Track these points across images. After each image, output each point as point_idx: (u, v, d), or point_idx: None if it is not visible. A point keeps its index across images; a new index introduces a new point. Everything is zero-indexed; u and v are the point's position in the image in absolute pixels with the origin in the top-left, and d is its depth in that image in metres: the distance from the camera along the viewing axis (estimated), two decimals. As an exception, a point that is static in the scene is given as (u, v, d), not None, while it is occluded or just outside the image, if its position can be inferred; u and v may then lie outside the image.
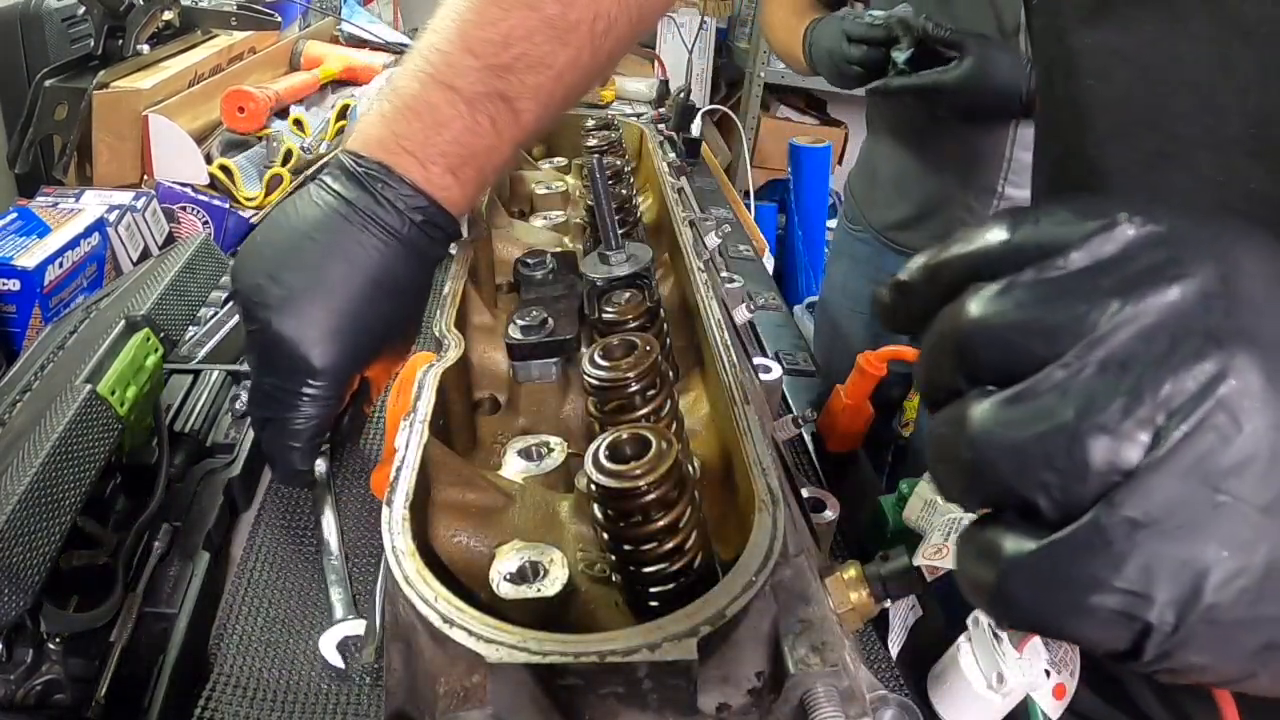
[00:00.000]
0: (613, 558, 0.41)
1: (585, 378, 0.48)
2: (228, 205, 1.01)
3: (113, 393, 0.55)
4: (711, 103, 2.63)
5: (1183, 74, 0.38)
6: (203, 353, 0.84)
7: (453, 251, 0.62)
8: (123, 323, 0.61)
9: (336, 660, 0.52)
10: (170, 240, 0.98)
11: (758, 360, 0.61)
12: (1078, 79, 0.43)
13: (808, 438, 0.76)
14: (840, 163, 2.87)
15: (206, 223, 1.00)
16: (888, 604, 0.41)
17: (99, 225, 0.86)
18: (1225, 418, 0.22)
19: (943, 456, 0.25)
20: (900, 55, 1.04)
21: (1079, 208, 0.25)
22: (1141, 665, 0.23)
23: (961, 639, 0.50)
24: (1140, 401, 0.22)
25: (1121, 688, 0.55)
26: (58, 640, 0.48)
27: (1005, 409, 0.24)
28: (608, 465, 0.38)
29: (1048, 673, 0.48)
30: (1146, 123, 0.40)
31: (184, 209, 1.00)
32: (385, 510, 0.39)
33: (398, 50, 1.50)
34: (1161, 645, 0.22)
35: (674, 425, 0.48)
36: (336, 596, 0.57)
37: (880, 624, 0.56)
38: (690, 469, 0.45)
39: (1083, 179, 0.45)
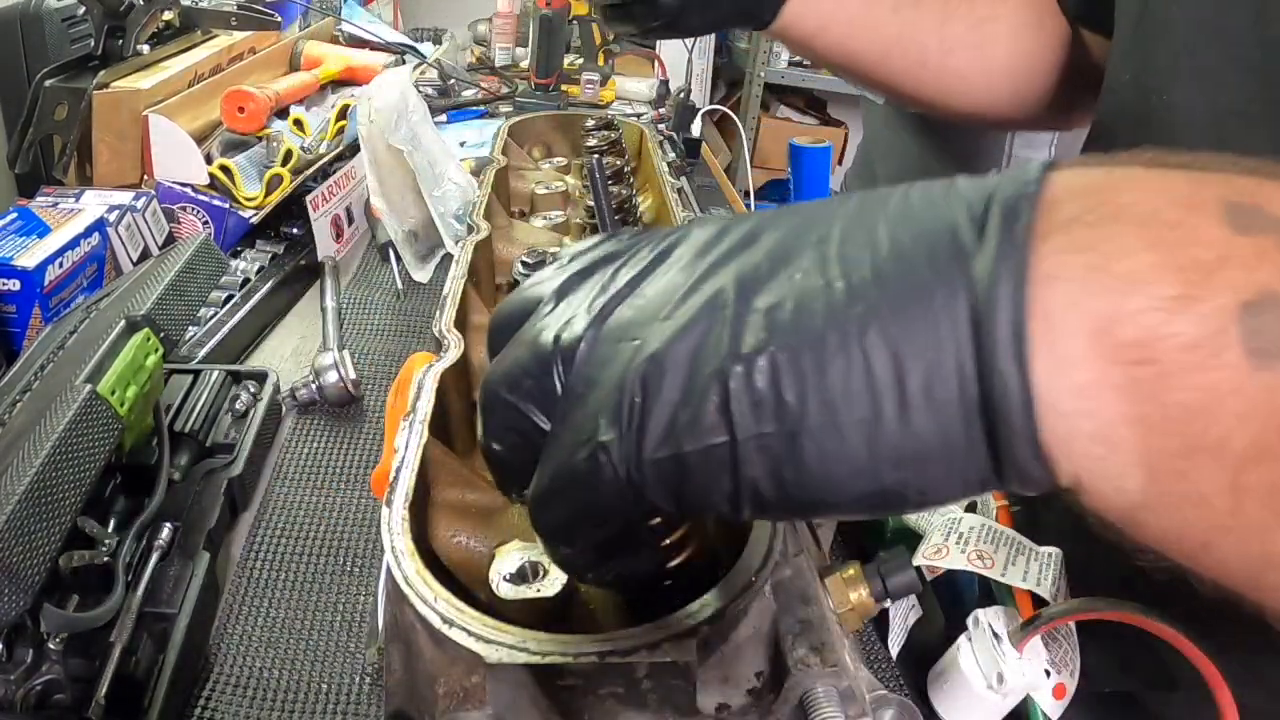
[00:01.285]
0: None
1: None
2: (228, 205, 1.01)
3: (113, 393, 0.55)
4: (711, 103, 2.63)
5: None
6: (203, 353, 0.84)
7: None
8: (123, 323, 0.61)
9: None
10: (170, 240, 0.98)
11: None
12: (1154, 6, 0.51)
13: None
14: (840, 163, 2.87)
15: (206, 223, 1.00)
16: (888, 604, 0.41)
17: (99, 225, 0.86)
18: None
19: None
20: None
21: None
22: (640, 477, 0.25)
23: (961, 639, 0.50)
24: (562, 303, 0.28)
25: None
26: (58, 640, 0.48)
27: (500, 356, 0.29)
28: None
29: (1048, 673, 0.48)
30: (1214, 32, 0.47)
31: (184, 209, 1.00)
32: (385, 510, 0.39)
33: (398, 50, 1.49)
34: (628, 477, 0.24)
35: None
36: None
37: (880, 624, 0.56)
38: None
39: (1159, 89, 0.51)
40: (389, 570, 0.36)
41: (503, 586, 0.40)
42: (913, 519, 0.58)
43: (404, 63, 1.43)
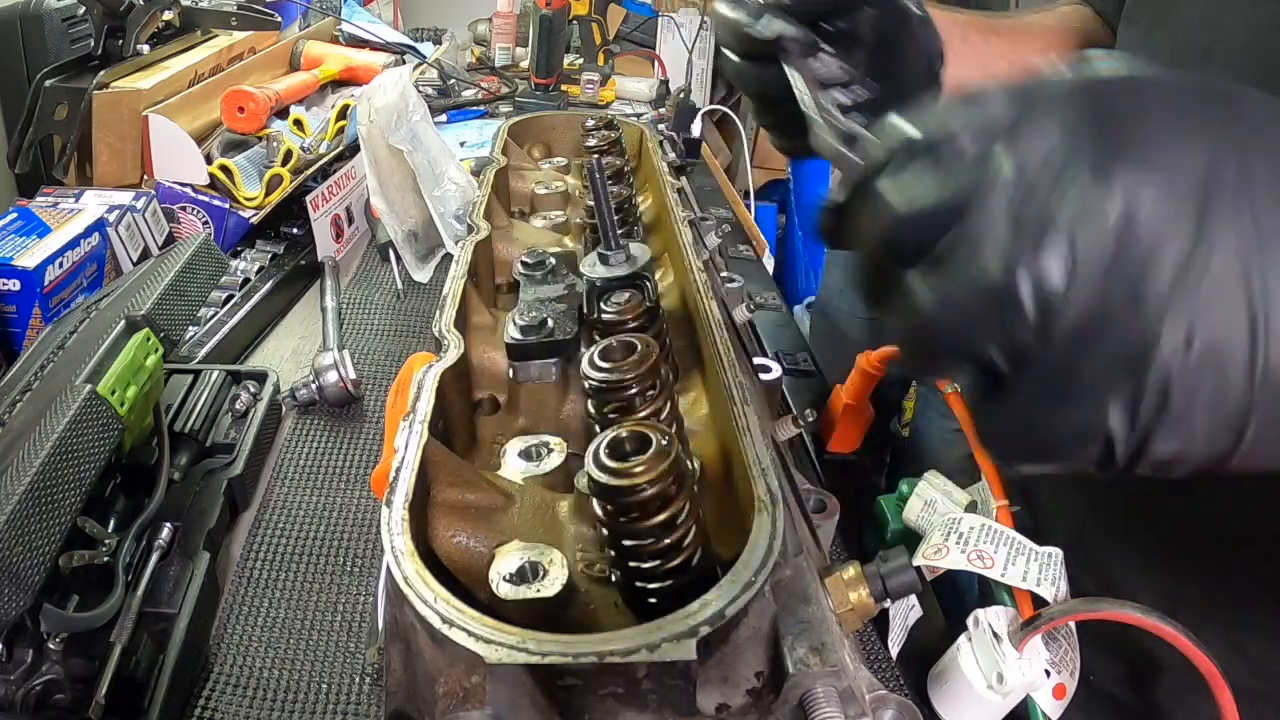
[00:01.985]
0: (613, 555, 0.41)
1: (585, 379, 0.48)
2: (228, 205, 1.01)
3: (113, 393, 0.55)
4: (711, 103, 2.63)
5: None
6: (203, 353, 0.84)
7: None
8: (123, 323, 0.61)
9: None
10: (170, 240, 0.98)
11: (758, 360, 0.61)
12: None
13: (808, 438, 0.76)
14: (840, 162, 2.87)
15: (206, 223, 1.00)
16: (888, 604, 0.41)
17: (99, 225, 0.86)
18: (1123, 228, 0.23)
19: (900, 339, 0.28)
20: None
21: (957, 100, 0.27)
22: (1132, 466, 0.25)
23: (961, 639, 0.50)
24: (1044, 232, 0.23)
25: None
26: (58, 640, 0.48)
27: (934, 273, 0.25)
28: (608, 463, 0.38)
29: (1048, 673, 0.48)
30: (1213, 26, 0.51)
31: (184, 209, 1.00)
32: (385, 511, 0.39)
33: (398, 50, 1.49)
34: (1137, 435, 0.24)
35: (674, 426, 0.48)
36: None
37: (880, 624, 0.56)
38: (690, 466, 0.45)
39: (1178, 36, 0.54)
40: (389, 570, 0.36)
41: (503, 586, 0.40)
42: (913, 519, 0.58)
43: (404, 63, 1.43)
